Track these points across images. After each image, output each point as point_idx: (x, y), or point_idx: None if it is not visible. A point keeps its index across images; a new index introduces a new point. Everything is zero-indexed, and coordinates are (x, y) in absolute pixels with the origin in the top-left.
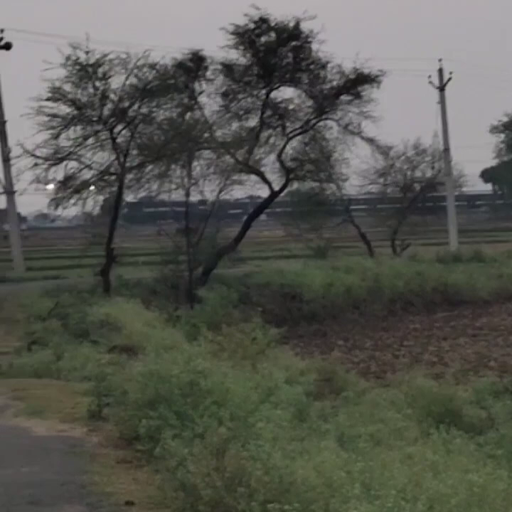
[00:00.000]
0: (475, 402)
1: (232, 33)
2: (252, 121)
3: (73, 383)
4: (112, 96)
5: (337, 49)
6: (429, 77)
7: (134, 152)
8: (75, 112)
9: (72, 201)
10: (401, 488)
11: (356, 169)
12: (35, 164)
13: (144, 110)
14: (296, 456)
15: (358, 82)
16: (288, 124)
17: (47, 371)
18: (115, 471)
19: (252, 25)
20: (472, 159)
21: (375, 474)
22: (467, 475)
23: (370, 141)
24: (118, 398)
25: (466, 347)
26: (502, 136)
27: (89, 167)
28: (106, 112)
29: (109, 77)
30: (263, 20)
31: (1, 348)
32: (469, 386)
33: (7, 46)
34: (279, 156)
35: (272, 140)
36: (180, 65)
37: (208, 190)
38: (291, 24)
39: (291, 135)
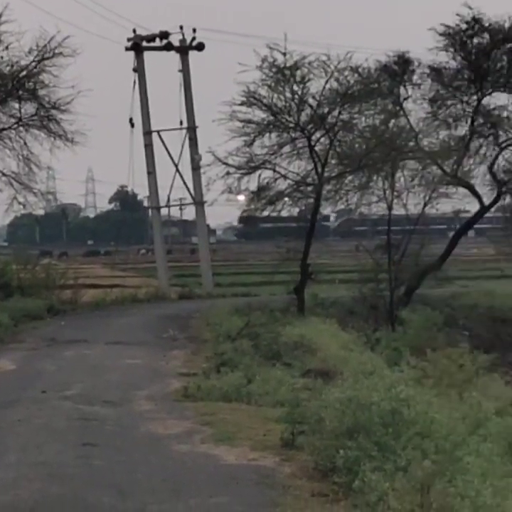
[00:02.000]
0: None
1: (442, 34)
2: (462, 130)
3: (265, 408)
4: (310, 101)
5: None
6: None
7: (333, 161)
8: (271, 118)
9: (265, 213)
10: None
11: None
12: (227, 173)
13: (345, 116)
14: (508, 493)
15: None
16: (501, 132)
17: (237, 395)
18: (310, 504)
19: (463, 26)
20: None
21: None
22: None
23: None
24: (313, 426)
25: None
26: None
27: (284, 177)
28: (303, 117)
29: (308, 80)
30: (476, 20)
31: (188, 369)
32: None
33: (199, 47)
34: (491, 167)
35: (482, 150)
36: (384, 69)
37: (411, 204)
38: (507, 24)
39: (504, 145)
